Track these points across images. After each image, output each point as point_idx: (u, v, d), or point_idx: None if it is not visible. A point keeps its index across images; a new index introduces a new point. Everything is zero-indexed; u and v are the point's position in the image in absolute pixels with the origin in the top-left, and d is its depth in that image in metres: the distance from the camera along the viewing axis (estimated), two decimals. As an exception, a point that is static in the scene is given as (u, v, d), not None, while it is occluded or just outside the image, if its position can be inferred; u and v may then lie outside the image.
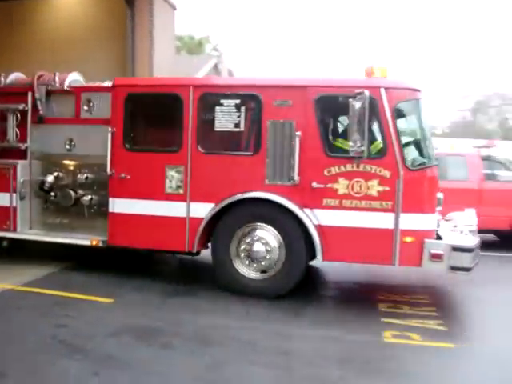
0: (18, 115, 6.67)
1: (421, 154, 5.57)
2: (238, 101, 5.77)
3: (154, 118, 6.35)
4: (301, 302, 5.71)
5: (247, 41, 61.97)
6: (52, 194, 6.58)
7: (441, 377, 4.07)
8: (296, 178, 5.56)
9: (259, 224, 5.78)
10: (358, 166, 5.46)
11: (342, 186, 5.51)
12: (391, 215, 5.40)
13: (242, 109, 5.77)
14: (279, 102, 5.65)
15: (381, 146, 5.43)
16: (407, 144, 5.46)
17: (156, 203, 6.04)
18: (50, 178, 6.55)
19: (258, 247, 5.75)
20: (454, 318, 5.47)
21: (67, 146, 6.59)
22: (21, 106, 6.62)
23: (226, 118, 5.81)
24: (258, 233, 5.77)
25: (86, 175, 6.50)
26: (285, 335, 4.73)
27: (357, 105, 5.23)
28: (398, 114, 5.43)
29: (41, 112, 6.58)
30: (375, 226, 5.44)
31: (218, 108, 5.82)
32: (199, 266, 7.19)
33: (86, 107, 6.49)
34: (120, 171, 6.10)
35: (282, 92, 5.66)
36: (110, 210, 6.21)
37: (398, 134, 5.38)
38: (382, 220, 5.42)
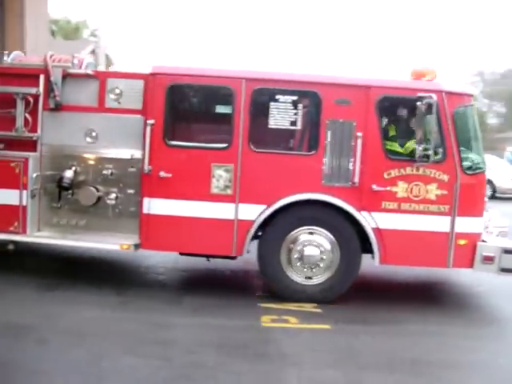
0: (30, 101, 5.79)
1: (475, 159, 5.70)
2: (295, 97, 5.50)
3: (200, 112, 5.87)
4: (180, 291, 5.77)
5: (129, 27, 59.27)
6: (70, 191, 5.81)
7: (316, 357, 4.26)
8: (356, 180, 5.44)
9: (312, 227, 5.59)
10: (417, 170, 5.47)
11: (401, 189, 5.49)
12: (448, 219, 5.50)
13: (300, 106, 5.51)
14: (339, 101, 5.47)
15: (441, 150, 5.47)
16: (463, 149, 5.56)
17: (200, 204, 5.59)
18: (69, 174, 5.78)
19: (311, 251, 5.56)
20: (328, 302, 5.54)
21: (88, 138, 5.86)
22: (33, 90, 5.75)
23: (282, 115, 5.52)
24: (311, 237, 5.58)
25: (110, 171, 5.83)
26: (163, 325, 4.73)
27: (423, 108, 5.22)
28: (456, 118, 5.51)
29: (57, 98, 5.77)
30: (432, 230, 5.50)
31: (272, 104, 5.51)
32: (74, 259, 6.86)
33: (112, 95, 5.80)
34: (159, 169, 5.55)
35: (343, 91, 5.49)
36: (145, 211, 5.64)
37: (457, 139, 5.47)
38: (438, 223, 5.50)
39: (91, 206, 5.85)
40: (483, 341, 4.88)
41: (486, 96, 39.87)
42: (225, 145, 5.55)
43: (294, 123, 5.53)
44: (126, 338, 4.42)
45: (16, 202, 5.74)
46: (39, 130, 5.84)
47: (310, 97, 5.54)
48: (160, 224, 5.62)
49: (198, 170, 5.57)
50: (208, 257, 5.96)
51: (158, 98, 5.54)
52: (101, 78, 5.83)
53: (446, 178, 5.46)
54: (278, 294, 5.61)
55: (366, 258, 5.73)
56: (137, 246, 5.72)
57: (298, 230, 5.57)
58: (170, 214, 5.61)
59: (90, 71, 5.89)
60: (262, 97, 5.52)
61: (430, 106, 5.22)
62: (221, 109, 5.59)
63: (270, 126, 5.55)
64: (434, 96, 5.22)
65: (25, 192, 5.73)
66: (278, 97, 5.49)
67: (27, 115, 5.79)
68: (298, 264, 5.58)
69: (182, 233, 5.62)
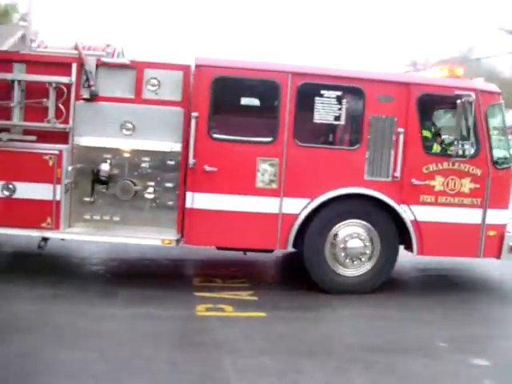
0: (63, 90, 5.49)
1: (503, 154, 6.03)
2: (339, 93, 5.58)
3: (245, 105, 5.80)
4: (116, 282, 5.74)
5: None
6: (107, 185, 5.59)
7: (251, 344, 4.33)
8: (397, 174, 5.62)
9: (354, 220, 5.73)
10: (453, 165, 5.73)
11: (438, 183, 5.73)
12: (480, 211, 5.81)
13: (344, 101, 5.59)
14: (382, 98, 5.61)
15: (475, 146, 5.75)
16: (494, 145, 5.87)
17: (245, 198, 5.57)
18: (106, 167, 5.55)
19: (355, 243, 5.71)
20: (264, 289, 5.71)
21: (124, 130, 5.65)
22: (66, 79, 5.46)
23: (326, 110, 5.59)
24: (354, 229, 5.72)
25: (148, 164, 5.66)
26: (98, 316, 4.72)
27: (461, 106, 5.47)
28: (488, 115, 5.80)
29: (93, 87, 5.51)
30: (465, 222, 5.80)
31: (317, 99, 5.56)
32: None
33: (150, 86, 5.62)
34: (204, 162, 5.47)
35: (386, 87, 5.63)
36: (188, 205, 5.55)
37: (489, 135, 5.78)
38: (471, 215, 5.80)
39: (127, 200, 5.67)
40: (420, 324, 5.07)
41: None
42: (270, 139, 5.55)
43: (337, 118, 5.61)
44: (61, 331, 4.36)
45: (49, 197, 5.46)
46: (71, 122, 5.56)
47: (354, 92, 5.63)
48: (204, 218, 5.55)
49: (243, 164, 5.54)
50: (247, 251, 5.96)
51: (202, 90, 5.44)
52: (138, 67, 5.62)
53: (478, 172, 5.76)
54: (322, 286, 5.71)
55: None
56: (178, 241, 5.62)
57: (342, 223, 5.69)
58: (214, 208, 5.55)
59: (126, 60, 5.66)
60: (308, 92, 5.55)
61: (468, 103, 5.48)
62: (266, 102, 5.55)
63: (314, 121, 5.59)
64: (473, 94, 5.48)
65: (58, 186, 5.46)
66: (322, 92, 5.55)
67: (60, 106, 5.48)
68: (342, 256, 5.71)
69: (227, 227, 5.58)
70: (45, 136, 5.51)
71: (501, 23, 34.09)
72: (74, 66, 5.52)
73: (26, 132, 5.56)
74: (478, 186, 5.77)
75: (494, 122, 5.93)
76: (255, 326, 4.70)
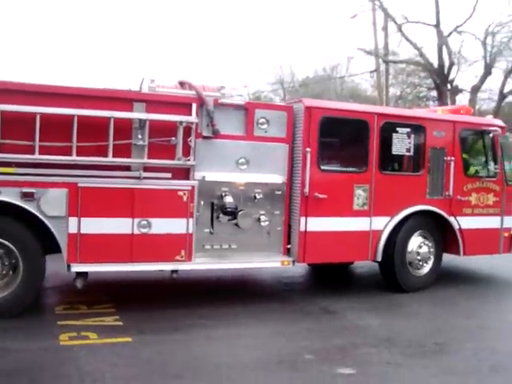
0: (191, 129, 5.80)
1: (510, 174, 7.88)
2: (409, 129, 6.86)
3: (343, 141, 6.69)
4: None
5: None
6: (232, 216, 6.03)
7: (117, 372, 4.16)
8: (451, 193, 7.09)
9: (420, 231, 7.03)
10: (482, 183, 7.40)
11: (473, 198, 7.35)
12: (499, 218, 7.57)
13: (412, 136, 6.89)
14: (437, 133, 7.05)
15: (497, 169, 7.49)
16: (505, 167, 7.70)
17: (346, 220, 6.51)
18: (231, 199, 6.00)
19: (424, 249, 7.01)
20: (130, 313, 5.57)
21: (240, 165, 6.16)
22: (194, 119, 5.81)
23: (400, 144, 6.82)
24: (421, 239, 7.02)
25: (260, 195, 6.24)
26: None
27: (489, 138, 7.20)
28: (502, 145, 7.62)
29: (215, 126, 5.94)
30: (491, 227, 7.50)
31: (394, 135, 6.77)
32: None
33: (260, 125, 6.24)
34: (314, 191, 6.28)
35: (439, 125, 7.08)
36: (302, 229, 6.28)
37: (503, 160, 7.60)
38: (494, 222, 7.52)
39: (243, 229, 6.16)
40: (285, 337, 5.14)
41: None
42: (364, 168, 6.59)
43: (408, 150, 6.88)
44: None
45: (183, 231, 5.72)
46: (193, 158, 5.90)
47: (419, 130, 6.95)
48: (314, 240, 6.33)
49: (344, 191, 6.47)
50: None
51: (313, 128, 6.26)
52: (250, 108, 6.21)
53: (498, 188, 7.52)
54: (404, 288, 6.87)
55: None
56: (294, 262, 6.30)
57: (414, 234, 6.94)
58: (323, 229, 6.37)
59: (242, 101, 6.21)
60: (388, 129, 6.72)
61: (495, 136, 7.21)
62: (360, 138, 6.57)
63: (392, 153, 6.79)
64: (499, 129, 7.23)
65: (191, 220, 5.76)
66: (398, 129, 6.78)
67: (188, 143, 5.80)
68: (417, 261, 6.96)
69: (332, 245, 6.44)
70: (167, 172, 5.76)
71: (359, 44, 37.54)
72: (194, 106, 5.88)
73: (149, 169, 5.73)
74: (497, 199, 7.53)
75: (505, 150, 7.74)
76: (121, 353, 4.54)
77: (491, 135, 7.28)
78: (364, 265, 8.08)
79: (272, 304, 6.31)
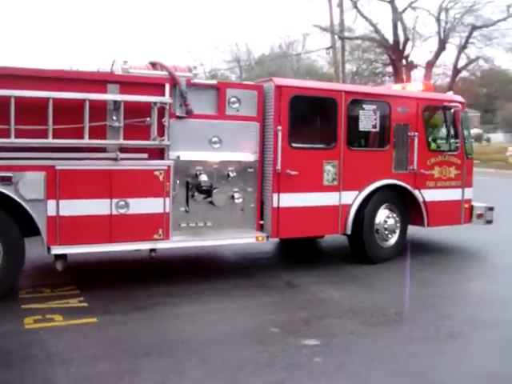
0: (164, 109, 5.90)
1: (469, 148, 8.27)
2: (375, 106, 7.14)
3: (313, 118, 6.89)
4: None
5: None
6: (207, 194, 6.20)
7: (84, 352, 4.19)
8: (415, 167, 7.44)
9: (386, 204, 7.38)
10: (444, 157, 7.79)
11: (436, 171, 7.73)
12: (460, 190, 7.99)
13: (378, 113, 7.17)
14: (401, 110, 7.36)
15: (458, 143, 7.88)
16: (465, 141, 8.09)
17: (317, 195, 6.78)
18: (205, 177, 6.17)
19: (391, 222, 7.37)
20: (95, 294, 5.61)
21: (213, 144, 6.32)
22: (168, 99, 5.90)
23: (367, 120, 7.10)
24: (388, 212, 7.37)
25: (233, 173, 6.43)
26: None
27: (450, 114, 7.56)
28: (462, 120, 8.00)
29: (188, 107, 6.06)
30: (453, 199, 7.92)
31: (361, 112, 7.03)
32: None
33: (232, 104, 6.39)
34: (286, 167, 6.51)
35: (403, 101, 7.38)
36: (274, 205, 6.53)
37: (463, 135, 7.99)
38: (456, 194, 7.95)
39: (219, 207, 6.36)
40: (250, 311, 5.31)
41: (243, 81, 45.04)
42: (332, 145, 6.84)
43: (374, 126, 7.17)
44: None
45: (160, 210, 5.87)
46: (167, 138, 6.01)
47: (384, 106, 7.23)
48: (286, 215, 6.59)
49: (314, 167, 6.72)
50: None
51: (283, 107, 6.46)
52: (221, 87, 6.34)
53: (459, 162, 7.93)
54: (373, 259, 7.22)
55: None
56: (268, 237, 6.55)
57: (381, 207, 7.28)
58: (293, 205, 6.63)
59: (214, 81, 6.33)
60: (355, 106, 6.98)
61: (456, 112, 7.58)
62: (328, 116, 6.80)
63: (359, 129, 7.06)
64: (460, 105, 7.59)
65: (167, 199, 5.91)
66: (364, 106, 7.04)
67: (162, 124, 5.91)
68: (385, 233, 7.31)
69: (304, 220, 6.71)
70: (143, 153, 5.88)
71: (315, 20, 37.22)
72: (167, 87, 5.98)
73: (125, 150, 5.83)
74: (459, 172, 7.94)
75: (465, 124, 8.14)
76: (87, 333, 4.59)
77: (452, 111, 7.64)
78: (326, 239, 8.42)
79: (238, 280, 6.42)
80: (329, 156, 6.84)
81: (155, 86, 5.94)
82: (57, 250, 5.45)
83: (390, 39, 21.94)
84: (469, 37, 23.88)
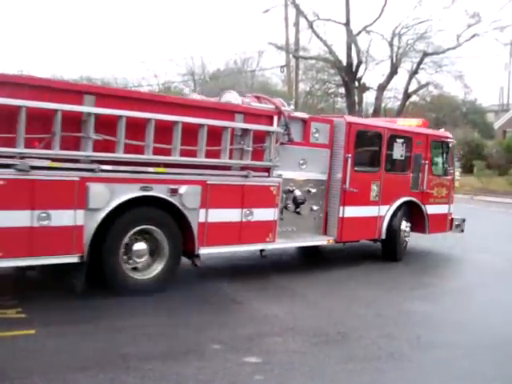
0: (273, 136, 7.28)
1: (452, 171, 10.70)
2: (402, 140, 9.20)
3: (367, 148, 8.69)
4: None
5: None
6: (301, 206, 7.73)
7: (19, 365, 4.09)
8: (424, 187, 9.66)
9: (404, 216, 9.48)
10: (440, 180, 10.14)
11: (435, 191, 10.04)
12: (447, 206, 10.41)
13: (404, 145, 9.25)
14: (418, 143, 9.53)
15: (449, 169, 10.28)
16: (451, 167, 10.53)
17: (365, 208, 8.64)
18: (299, 192, 7.70)
19: (408, 229, 9.48)
20: (34, 305, 5.49)
21: (301, 165, 7.88)
22: (279, 129, 7.32)
23: (397, 150, 9.14)
24: (405, 221, 9.48)
25: (313, 189, 8.05)
26: None
27: (447, 147, 9.96)
28: (451, 151, 10.42)
29: (291, 135, 7.53)
30: (444, 212, 10.30)
31: (394, 144, 9.06)
32: None
33: (314, 134, 8.01)
34: (350, 186, 8.29)
35: (419, 137, 9.56)
36: (340, 215, 8.26)
37: (452, 162, 10.43)
38: (445, 208, 10.33)
39: (301, 216, 7.93)
40: (191, 327, 5.24)
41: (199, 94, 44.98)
42: (377, 169, 8.77)
43: (401, 155, 9.23)
44: None
45: (272, 218, 7.28)
46: (274, 160, 7.43)
47: (408, 140, 9.33)
48: (348, 223, 8.35)
49: (366, 186, 8.59)
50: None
51: (351, 138, 8.23)
52: (308, 120, 7.93)
53: (448, 183, 10.34)
54: (396, 257, 9.24)
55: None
56: (335, 241, 8.26)
57: (403, 217, 9.35)
58: (352, 216, 8.41)
59: (305, 115, 7.89)
60: (392, 140, 8.98)
61: (450, 145, 9.98)
62: (375, 146, 8.69)
63: (392, 157, 9.07)
64: (452, 140, 10.01)
65: (276, 209, 7.34)
66: (397, 139, 9.07)
67: (272, 148, 7.30)
68: (404, 237, 9.40)
69: (357, 228, 8.53)
70: (257, 172, 7.23)
71: (270, 38, 37.93)
72: (275, 118, 7.41)
73: (244, 169, 7.14)
74: (447, 191, 10.34)
75: (452, 154, 10.56)
76: (23, 345, 4.45)
77: (450, 144, 10.01)
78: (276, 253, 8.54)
79: (182, 295, 6.27)
80: (374, 177, 8.75)
81: (267, 117, 7.35)
82: (204, 250, 6.62)
83: (344, 61, 22.36)
84: (420, 63, 24.70)
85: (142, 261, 6.20)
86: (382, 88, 24.25)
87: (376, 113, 23.77)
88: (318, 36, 22.97)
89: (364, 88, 24.15)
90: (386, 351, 4.94)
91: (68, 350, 4.40)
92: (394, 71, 23.79)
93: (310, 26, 22.76)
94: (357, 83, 23.61)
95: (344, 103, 26.00)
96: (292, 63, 25.14)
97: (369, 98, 25.25)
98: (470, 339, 5.53)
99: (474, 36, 24.34)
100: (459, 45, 24.31)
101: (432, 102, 35.08)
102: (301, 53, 24.81)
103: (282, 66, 25.50)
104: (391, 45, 23.55)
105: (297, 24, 23.93)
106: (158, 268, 6.29)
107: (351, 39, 22.52)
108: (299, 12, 23.12)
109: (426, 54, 24.69)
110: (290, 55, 24.59)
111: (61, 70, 60.77)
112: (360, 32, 22.70)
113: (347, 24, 22.55)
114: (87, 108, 5.57)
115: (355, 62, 23.11)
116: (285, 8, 24.02)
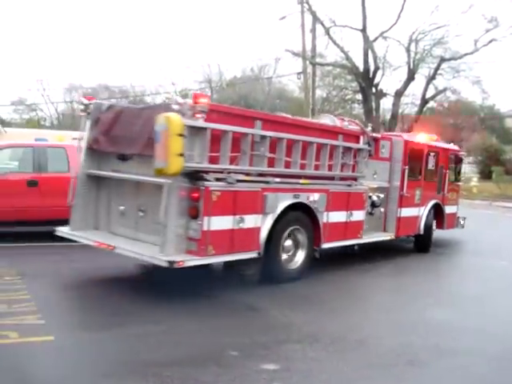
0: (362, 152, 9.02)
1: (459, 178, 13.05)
2: (434, 154, 11.34)
3: (414, 161, 10.66)
4: None
5: None
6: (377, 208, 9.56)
7: (37, 373, 4.14)
8: (445, 192, 11.89)
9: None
10: (453, 185, 12.44)
11: (449, 194, 12.32)
12: (456, 206, 12.74)
13: (434, 158, 11.38)
14: (442, 156, 11.73)
15: (460, 176, 12.60)
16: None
17: (413, 209, 10.66)
18: (376, 197, 9.52)
19: (434, 227, 11.64)
20: (53, 311, 5.57)
21: (374, 176, 9.71)
22: (368, 147, 9.08)
23: (430, 163, 11.26)
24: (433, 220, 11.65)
25: (379, 195, 9.91)
26: None
27: (459, 158, 12.31)
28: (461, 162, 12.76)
29: (372, 151, 9.32)
30: (454, 212, 12.61)
31: (429, 157, 11.17)
32: None
33: (381, 149, 9.88)
34: (406, 192, 10.26)
35: (444, 151, 11.76)
36: (398, 215, 10.20)
37: (461, 171, 12.79)
38: (455, 209, 12.66)
39: (373, 216, 9.76)
40: (210, 333, 5.28)
41: (214, 101, 42.88)
42: (419, 177, 10.82)
43: (433, 166, 11.36)
44: None
45: (362, 218, 9.03)
46: (361, 171, 9.15)
47: (437, 154, 11.48)
48: (402, 222, 10.32)
49: (413, 191, 10.60)
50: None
51: (406, 153, 10.20)
52: (378, 139, 9.77)
53: (457, 188, 12.67)
54: (428, 249, 11.35)
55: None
56: (393, 236, 10.18)
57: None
58: (405, 215, 10.39)
59: (379, 135, 9.73)
60: (430, 154, 11.07)
61: (461, 157, 12.34)
62: (419, 159, 10.73)
63: (428, 168, 11.18)
64: (464, 153, 12.35)
65: (364, 212, 9.10)
66: (431, 153, 11.19)
67: (362, 162, 9.04)
68: (433, 233, 11.56)
69: (407, 225, 10.53)
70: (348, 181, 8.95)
71: (287, 45, 36.29)
72: (362, 138, 9.17)
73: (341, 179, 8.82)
74: (457, 195, 12.68)
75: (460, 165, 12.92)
76: (41, 352, 4.50)
77: (462, 157, 12.36)
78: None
79: (200, 301, 6.34)
80: (418, 184, 10.79)
81: (356, 137, 9.08)
82: (325, 245, 8.22)
83: (361, 67, 21.40)
84: (437, 68, 23.84)
85: (290, 255, 7.69)
86: (399, 94, 23.00)
87: (393, 119, 23.72)
88: (334, 42, 21.97)
89: (381, 94, 22.85)
90: (405, 358, 4.90)
91: (86, 357, 4.45)
92: (411, 77, 22.62)
93: (327, 32, 21.88)
94: (374, 89, 22.36)
95: (361, 109, 25.38)
96: (309, 70, 23.45)
97: (386, 104, 23.86)
98: (489, 347, 5.43)
99: (491, 41, 23.46)
100: (477, 50, 23.38)
101: (450, 107, 33.84)
102: (317, 59, 23.52)
103: (298, 73, 24.07)
104: (408, 50, 22.53)
105: (313, 30, 22.55)
106: (299, 260, 7.82)
107: (368, 45, 21.53)
108: (316, 19, 22.14)
109: (443, 60, 23.81)
110: (307, 62, 23.01)
111: (79, 78, 58.37)
112: (377, 38, 21.65)
113: (364, 30, 21.56)
114: (272, 133, 7.00)
115: (372, 68, 21.87)
116: (301, 15, 22.74)
